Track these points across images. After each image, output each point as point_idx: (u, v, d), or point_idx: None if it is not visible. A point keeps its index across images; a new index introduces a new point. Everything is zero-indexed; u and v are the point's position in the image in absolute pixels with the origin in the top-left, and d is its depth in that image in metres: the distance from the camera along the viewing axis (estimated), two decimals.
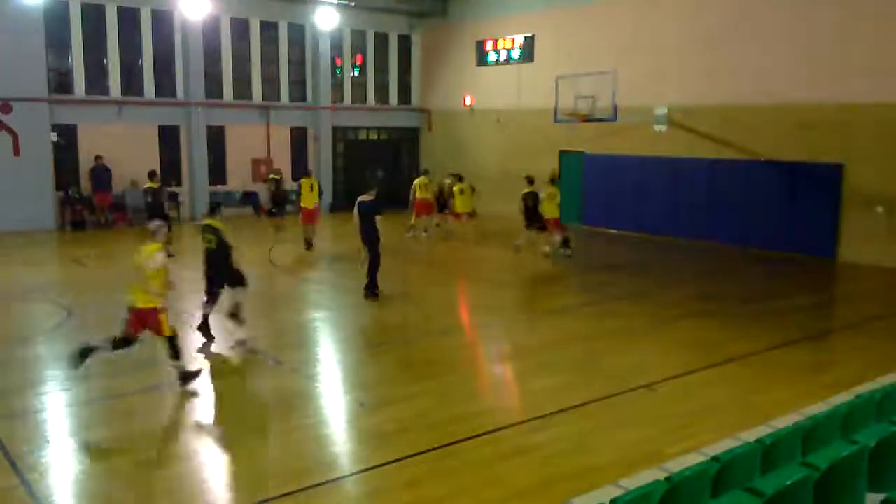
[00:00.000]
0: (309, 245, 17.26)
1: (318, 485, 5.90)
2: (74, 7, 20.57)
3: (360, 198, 12.29)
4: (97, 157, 20.45)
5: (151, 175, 16.02)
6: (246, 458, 6.51)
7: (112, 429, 7.09)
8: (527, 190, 16.46)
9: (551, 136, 21.64)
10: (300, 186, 17.73)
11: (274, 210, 19.32)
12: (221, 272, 9.67)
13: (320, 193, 17.79)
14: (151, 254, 7.83)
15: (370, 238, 12.10)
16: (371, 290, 12.36)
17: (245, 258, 13.68)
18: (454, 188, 18.85)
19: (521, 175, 17.21)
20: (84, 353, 7.88)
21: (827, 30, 16.15)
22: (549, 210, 16.23)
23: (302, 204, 17.38)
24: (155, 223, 8.46)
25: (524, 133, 22.89)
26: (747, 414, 7.26)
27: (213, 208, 10.13)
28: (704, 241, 18.40)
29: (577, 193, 21.05)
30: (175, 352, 8.02)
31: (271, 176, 20.38)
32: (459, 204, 18.64)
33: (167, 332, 7.95)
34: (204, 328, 9.82)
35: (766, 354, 9.52)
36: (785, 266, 16.02)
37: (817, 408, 6.81)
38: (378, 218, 12.00)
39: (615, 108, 18.41)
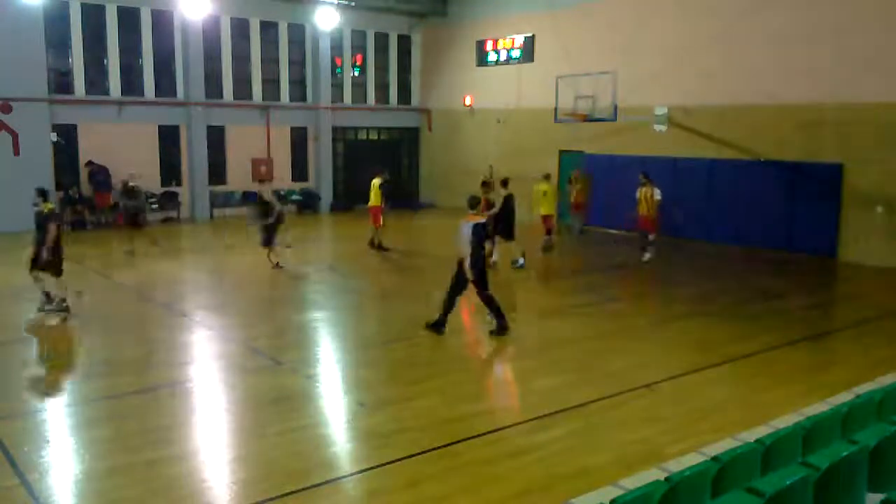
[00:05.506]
0: (371, 244, 16.96)
1: (318, 485, 5.90)
2: (74, 7, 20.58)
3: (468, 220, 10.08)
4: (88, 164, 20.51)
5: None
6: (246, 458, 6.50)
7: (112, 429, 7.08)
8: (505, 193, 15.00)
9: (551, 136, 21.65)
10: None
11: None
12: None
13: (381, 193, 16.85)
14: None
15: (478, 263, 10.10)
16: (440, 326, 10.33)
17: (244, 258, 13.64)
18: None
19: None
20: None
21: (827, 30, 16.15)
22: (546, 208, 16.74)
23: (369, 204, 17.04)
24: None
25: (524, 133, 22.89)
26: (747, 414, 7.25)
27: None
28: (704, 241, 18.41)
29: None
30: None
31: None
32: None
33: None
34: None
35: (766, 354, 9.52)
36: (785, 266, 16.01)
37: (817, 408, 6.79)
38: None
39: (615, 108, 18.42)
